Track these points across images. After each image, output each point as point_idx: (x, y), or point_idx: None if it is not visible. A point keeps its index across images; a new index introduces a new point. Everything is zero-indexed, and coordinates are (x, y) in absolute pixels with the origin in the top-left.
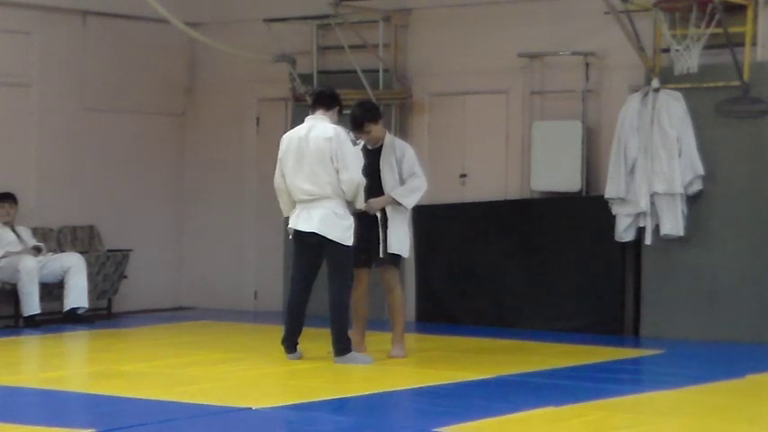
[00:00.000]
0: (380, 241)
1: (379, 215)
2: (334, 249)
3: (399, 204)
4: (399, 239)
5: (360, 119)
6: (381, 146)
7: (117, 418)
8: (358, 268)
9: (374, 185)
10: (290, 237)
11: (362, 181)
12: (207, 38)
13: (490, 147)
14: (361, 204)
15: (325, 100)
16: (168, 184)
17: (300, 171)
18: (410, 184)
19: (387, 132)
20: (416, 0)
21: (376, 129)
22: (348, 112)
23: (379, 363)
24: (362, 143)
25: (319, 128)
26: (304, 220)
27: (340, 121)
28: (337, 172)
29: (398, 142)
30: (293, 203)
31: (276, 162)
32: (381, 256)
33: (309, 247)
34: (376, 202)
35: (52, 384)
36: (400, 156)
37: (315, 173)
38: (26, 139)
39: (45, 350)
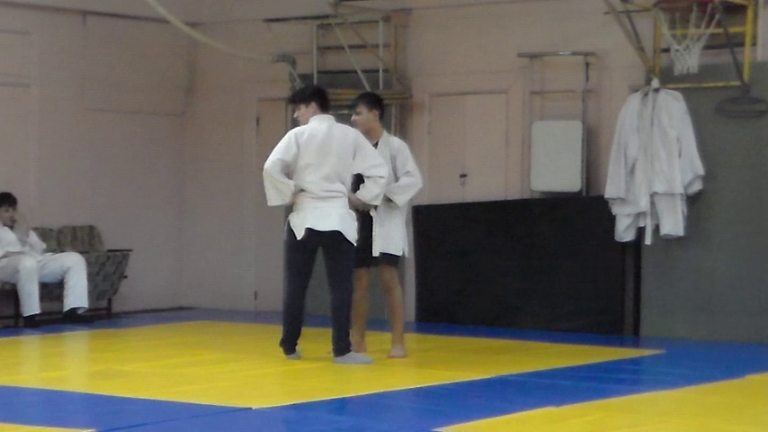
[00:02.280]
0: (374, 240)
1: (372, 214)
2: (346, 249)
3: (391, 201)
4: (393, 239)
5: (360, 98)
6: (377, 143)
7: (117, 418)
8: (357, 268)
9: None
10: (301, 237)
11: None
12: (207, 38)
13: (490, 147)
14: (380, 201)
15: (326, 102)
16: (168, 184)
17: (319, 169)
18: (402, 182)
19: (384, 131)
20: (416, 0)
21: (367, 115)
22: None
23: (379, 363)
24: None
25: (339, 128)
26: (322, 219)
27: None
28: (366, 167)
29: (395, 140)
30: (290, 194)
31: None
32: (374, 255)
33: (311, 248)
34: (357, 200)
35: (52, 384)
36: (395, 153)
37: (336, 172)
38: (26, 139)
39: (45, 350)
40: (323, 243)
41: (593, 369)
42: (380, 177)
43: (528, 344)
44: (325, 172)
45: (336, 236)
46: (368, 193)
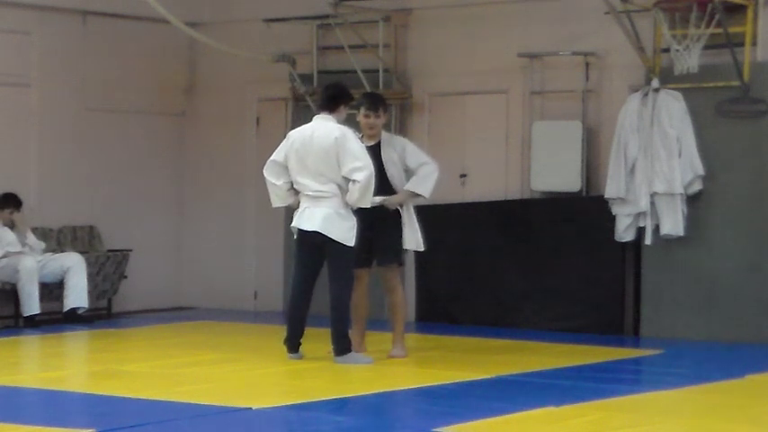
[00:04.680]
0: (385, 241)
1: (401, 212)
2: (336, 249)
3: (418, 196)
4: (413, 235)
5: (378, 100)
6: (379, 143)
7: (117, 418)
8: (359, 268)
9: (381, 182)
10: (295, 236)
11: (374, 177)
12: (207, 38)
13: (490, 147)
14: (369, 202)
15: (329, 101)
16: (168, 184)
17: (304, 171)
18: (421, 172)
19: (382, 130)
20: (416, 0)
21: (383, 118)
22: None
23: (379, 363)
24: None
25: (324, 128)
26: (307, 219)
27: (346, 120)
28: (347, 171)
29: (396, 138)
30: (284, 195)
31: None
32: (387, 253)
33: (311, 247)
34: (396, 199)
35: (52, 384)
36: (401, 151)
37: (320, 172)
38: (26, 139)
39: (45, 350)
40: (314, 243)
41: (593, 369)
42: (356, 181)
43: (528, 344)
44: (309, 173)
45: (319, 236)
46: (350, 197)
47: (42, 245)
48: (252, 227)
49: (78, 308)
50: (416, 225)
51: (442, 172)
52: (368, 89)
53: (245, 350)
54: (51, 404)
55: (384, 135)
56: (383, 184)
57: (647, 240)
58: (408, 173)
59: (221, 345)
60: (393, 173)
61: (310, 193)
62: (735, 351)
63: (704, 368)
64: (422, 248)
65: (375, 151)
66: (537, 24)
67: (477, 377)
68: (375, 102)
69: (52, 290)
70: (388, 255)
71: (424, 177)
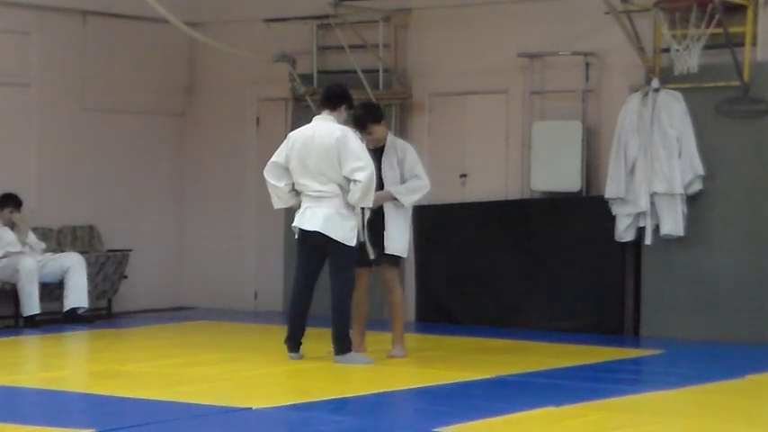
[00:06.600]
0: (379, 241)
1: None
2: (337, 249)
3: (396, 200)
4: (397, 240)
5: (362, 120)
6: (383, 146)
7: (117, 418)
8: (358, 268)
9: (378, 186)
10: (296, 236)
11: (374, 176)
12: (207, 38)
13: (490, 147)
14: (371, 202)
15: (331, 100)
16: (168, 184)
17: (305, 171)
18: (410, 184)
19: (388, 133)
20: (416, 0)
21: (378, 129)
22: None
23: (379, 363)
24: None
25: (325, 128)
26: (308, 219)
27: (347, 119)
28: (348, 171)
29: (400, 143)
30: (286, 197)
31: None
32: (382, 253)
33: (312, 246)
34: (376, 197)
35: (52, 384)
36: (402, 156)
37: (321, 172)
38: (26, 139)
39: (45, 350)
40: (315, 243)
41: (593, 369)
42: (358, 181)
43: (528, 344)
44: (311, 173)
45: (320, 236)
46: (351, 197)
47: (42, 245)
48: (252, 227)
49: (78, 308)
50: (405, 231)
51: (442, 172)
52: (368, 89)
53: (245, 350)
54: (51, 404)
55: (389, 138)
56: (380, 188)
57: (647, 240)
58: (402, 180)
59: (221, 345)
60: (389, 178)
61: (312, 194)
62: (735, 351)
63: (704, 368)
64: (405, 255)
65: (377, 156)
66: (537, 24)
67: (477, 377)
68: (360, 121)
69: (52, 290)
70: (382, 255)
71: (411, 189)
